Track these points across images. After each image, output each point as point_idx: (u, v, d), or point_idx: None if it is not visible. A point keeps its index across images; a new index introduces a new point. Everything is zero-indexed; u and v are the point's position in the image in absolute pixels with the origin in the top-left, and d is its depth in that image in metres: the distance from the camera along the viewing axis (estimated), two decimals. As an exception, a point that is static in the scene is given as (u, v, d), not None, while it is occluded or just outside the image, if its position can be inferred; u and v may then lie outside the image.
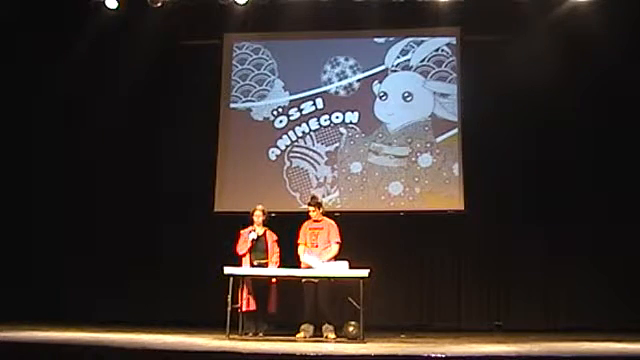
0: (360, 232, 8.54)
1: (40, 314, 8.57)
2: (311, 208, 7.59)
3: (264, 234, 7.63)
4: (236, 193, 9.40)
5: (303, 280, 7.28)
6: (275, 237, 7.70)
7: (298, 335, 7.24)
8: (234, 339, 6.79)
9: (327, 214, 7.81)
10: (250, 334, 7.23)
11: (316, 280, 7.23)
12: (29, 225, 9.42)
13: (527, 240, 9.02)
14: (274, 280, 7.43)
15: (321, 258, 7.28)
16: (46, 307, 8.87)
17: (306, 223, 7.66)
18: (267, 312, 7.42)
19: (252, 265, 7.47)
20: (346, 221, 7.96)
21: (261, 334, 7.24)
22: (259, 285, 7.37)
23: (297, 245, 7.59)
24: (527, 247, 9.02)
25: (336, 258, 7.37)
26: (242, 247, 7.54)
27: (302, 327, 7.32)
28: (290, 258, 7.59)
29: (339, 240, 7.50)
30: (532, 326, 8.52)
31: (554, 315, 8.88)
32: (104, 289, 9.09)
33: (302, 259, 7.41)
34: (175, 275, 9.16)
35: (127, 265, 9.18)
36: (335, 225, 7.60)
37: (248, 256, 7.53)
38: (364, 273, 6.80)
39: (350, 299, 6.87)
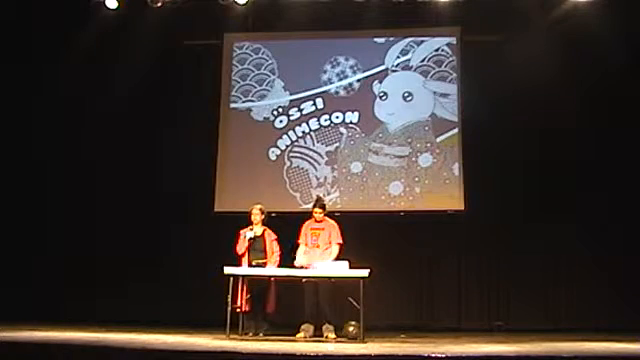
0: (360, 232, 8.54)
1: (40, 314, 8.57)
2: (318, 210, 7.56)
3: (262, 234, 7.62)
4: (236, 193, 9.40)
5: (304, 280, 7.28)
6: (274, 236, 7.68)
7: (298, 335, 7.24)
8: (234, 339, 6.79)
9: (328, 214, 7.81)
10: (250, 334, 7.23)
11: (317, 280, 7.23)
12: (29, 225, 9.42)
13: (527, 240, 9.02)
14: (273, 279, 7.43)
15: (322, 259, 7.29)
16: (46, 307, 8.87)
17: (307, 223, 7.65)
18: (266, 312, 7.43)
19: (250, 265, 7.46)
20: (346, 221, 7.96)
21: (261, 334, 7.24)
22: (258, 285, 7.36)
23: (297, 245, 7.59)
24: (527, 247, 9.01)
25: (336, 258, 7.37)
26: (240, 247, 7.54)
27: (302, 327, 7.32)
28: (291, 258, 7.59)
29: (340, 241, 7.50)
30: (532, 326, 8.52)
31: (554, 315, 8.88)
32: (104, 289, 9.09)
33: (296, 261, 7.41)
34: (175, 275, 9.16)
35: (127, 265, 9.18)
36: (336, 226, 7.59)
37: (246, 256, 7.53)
38: (364, 273, 6.80)
39: (350, 299, 6.86)
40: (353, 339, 6.89)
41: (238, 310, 7.18)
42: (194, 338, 6.83)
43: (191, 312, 8.81)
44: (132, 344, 5.99)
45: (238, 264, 7.45)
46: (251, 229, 7.57)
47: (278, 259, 7.57)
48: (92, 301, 9.04)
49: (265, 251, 7.56)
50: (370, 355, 5.46)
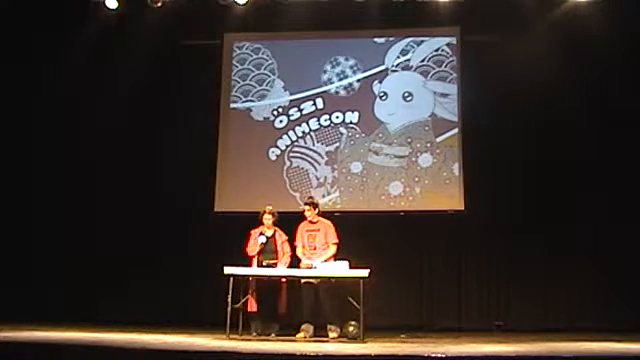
0: (360, 232, 8.54)
1: (40, 314, 8.57)
2: (306, 207, 7.60)
3: (273, 235, 7.63)
4: (236, 193, 9.40)
5: (302, 281, 7.29)
6: (285, 237, 7.67)
7: (298, 335, 7.24)
8: (234, 339, 6.80)
9: (327, 214, 7.80)
10: (253, 334, 7.24)
11: (315, 281, 7.24)
12: (29, 225, 9.42)
13: (527, 240, 9.01)
14: (284, 280, 7.42)
15: (320, 259, 7.31)
16: (46, 307, 8.87)
17: (302, 225, 7.66)
18: (278, 312, 7.42)
19: (260, 265, 7.47)
20: (346, 221, 7.97)
21: (274, 334, 7.25)
22: (267, 285, 7.35)
23: (295, 247, 7.62)
24: (527, 247, 9.01)
25: (336, 258, 7.39)
26: (252, 248, 7.57)
27: (302, 327, 7.32)
28: (290, 258, 7.60)
29: (336, 241, 7.51)
30: (532, 326, 8.52)
31: (554, 315, 8.88)
32: (104, 289, 9.09)
33: (302, 262, 7.44)
34: (175, 275, 9.15)
35: (127, 265, 9.18)
36: (332, 225, 7.60)
37: (257, 257, 7.54)
38: (364, 273, 6.80)
39: (350, 299, 6.87)
40: (353, 339, 6.89)
41: (245, 311, 7.19)
42: (194, 338, 6.84)
43: (191, 312, 8.82)
44: (132, 344, 5.99)
45: (248, 264, 7.46)
46: (262, 233, 7.57)
47: (289, 260, 7.57)
48: (92, 301, 9.04)
49: (276, 252, 7.58)
50: (370, 355, 5.47)
